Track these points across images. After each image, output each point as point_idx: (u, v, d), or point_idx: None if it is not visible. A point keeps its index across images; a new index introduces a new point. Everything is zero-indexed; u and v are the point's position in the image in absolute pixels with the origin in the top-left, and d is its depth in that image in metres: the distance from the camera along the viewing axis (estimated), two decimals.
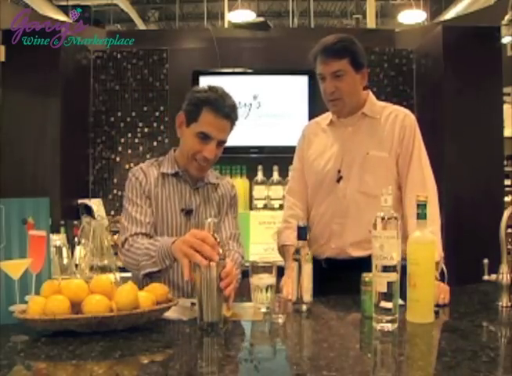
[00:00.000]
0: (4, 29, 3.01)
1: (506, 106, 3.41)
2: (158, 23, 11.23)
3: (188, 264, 1.36)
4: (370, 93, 1.96)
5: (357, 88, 1.88)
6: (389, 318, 1.29)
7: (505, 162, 3.65)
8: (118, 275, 1.88)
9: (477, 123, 3.09)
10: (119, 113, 3.56)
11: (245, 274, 1.64)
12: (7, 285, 1.38)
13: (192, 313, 1.42)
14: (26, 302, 1.33)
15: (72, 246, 2.45)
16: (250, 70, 3.52)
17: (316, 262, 1.64)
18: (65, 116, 3.11)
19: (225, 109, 1.68)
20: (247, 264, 1.60)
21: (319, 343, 1.25)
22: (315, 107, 3.21)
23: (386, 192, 1.34)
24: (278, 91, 3.47)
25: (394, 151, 1.86)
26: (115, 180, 3.54)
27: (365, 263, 1.41)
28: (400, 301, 1.35)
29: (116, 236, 2.75)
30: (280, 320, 1.40)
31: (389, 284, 1.30)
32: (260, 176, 3.32)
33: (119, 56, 3.57)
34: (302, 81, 3.43)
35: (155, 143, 3.54)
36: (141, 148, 3.55)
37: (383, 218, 1.32)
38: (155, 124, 3.54)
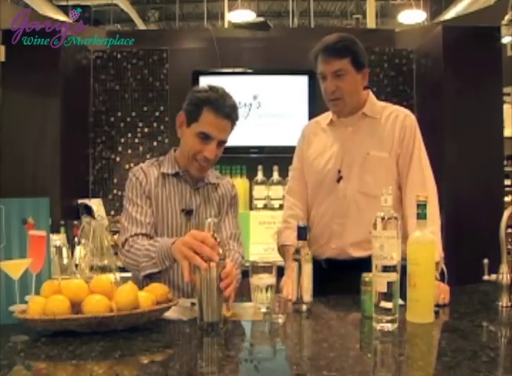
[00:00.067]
0: (4, 29, 3.01)
1: (506, 106, 3.41)
2: (158, 23, 11.23)
3: (188, 266, 1.36)
4: (370, 93, 1.96)
5: (358, 87, 1.88)
6: (389, 318, 1.29)
7: (505, 162, 3.65)
8: (118, 275, 1.88)
9: (477, 123, 3.09)
10: (119, 113, 3.56)
11: (245, 274, 1.64)
12: (7, 285, 1.38)
13: (192, 313, 1.42)
14: (26, 302, 1.33)
15: (72, 246, 2.45)
16: (250, 70, 3.52)
17: (316, 263, 1.64)
18: (65, 116, 3.11)
19: (226, 109, 1.68)
20: (247, 264, 1.60)
21: (319, 343, 1.25)
22: (315, 107, 3.21)
23: (386, 192, 1.34)
24: (278, 91, 3.47)
25: (395, 151, 1.86)
26: (115, 180, 3.54)
27: (365, 263, 1.40)
28: (400, 301, 1.35)
29: (116, 236, 2.75)
30: (280, 320, 1.40)
31: (389, 284, 1.30)
32: (260, 176, 3.32)
33: (119, 56, 3.57)
34: (302, 81, 3.43)
35: (155, 143, 3.54)
36: (141, 148, 3.55)
37: (383, 218, 1.32)
38: (155, 124, 3.55)
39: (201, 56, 3.61)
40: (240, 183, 3.30)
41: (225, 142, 1.74)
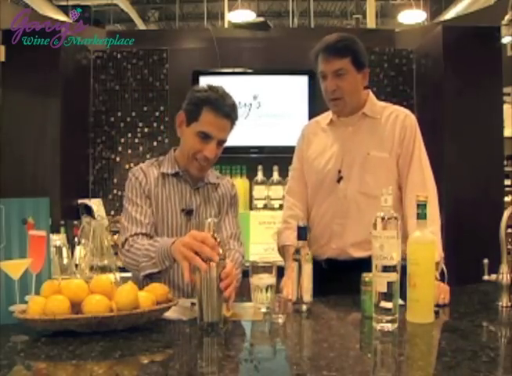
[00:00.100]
0: (4, 29, 3.01)
1: (506, 106, 3.41)
2: (158, 23, 11.23)
3: (188, 266, 1.35)
4: (371, 93, 1.96)
5: (358, 87, 1.88)
6: (389, 318, 1.29)
7: (505, 162, 3.65)
8: (118, 275, 1.88)
9: (477, 123, 3.09)
10: (119, 113, 3.56)
11: (245, 274, 1.64)
12: (7, 285, 1.38)
13: (192, 313, 1.42)
14: (26, 302, 1.33)
15: (72, 246, 2.45)
16: (250, 70, 3.52)
17: (316, 263, 1.64)
18: (65, 116, 3.11)
19: (226, 108, 1.68)
20: (247, 264, 1.60)
21: (319, 343, 1.25)
22: (315, 107, 3.21)
23: (386, 192, 1.34)
24: (278, 91, 3.47)
25: (395, 152, 1.86)
26: (115, 180, 3.54)
27: (365, 264, 1.40)
28: (400, 301, 1.35)
29: (116, 236, 2.75)
30: (280, 320, 1.40)
31: (389, 284, 1.30)
32: (260, 176, 3.32)
33: (119, 56, 3.57)
34: (302, 81, 3.43)
35: (155, 143, 3.54)
36: (141, 148, 3.55)
37: (383, 218, 1.32)
38: (155, 124, 3.55)
39: (201, 55, 3.61)
40: (240, 183, 3.30)
41: (224, 141, 1.74)
